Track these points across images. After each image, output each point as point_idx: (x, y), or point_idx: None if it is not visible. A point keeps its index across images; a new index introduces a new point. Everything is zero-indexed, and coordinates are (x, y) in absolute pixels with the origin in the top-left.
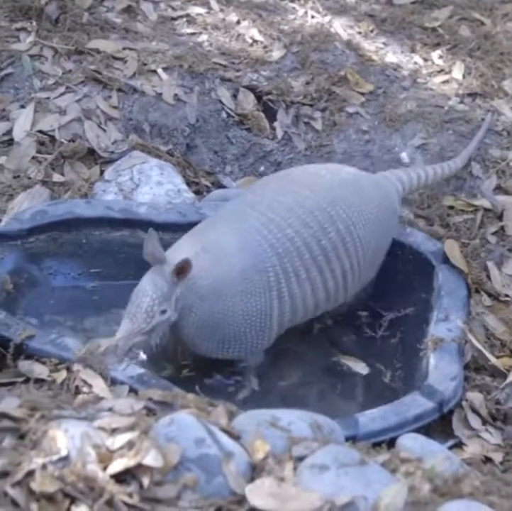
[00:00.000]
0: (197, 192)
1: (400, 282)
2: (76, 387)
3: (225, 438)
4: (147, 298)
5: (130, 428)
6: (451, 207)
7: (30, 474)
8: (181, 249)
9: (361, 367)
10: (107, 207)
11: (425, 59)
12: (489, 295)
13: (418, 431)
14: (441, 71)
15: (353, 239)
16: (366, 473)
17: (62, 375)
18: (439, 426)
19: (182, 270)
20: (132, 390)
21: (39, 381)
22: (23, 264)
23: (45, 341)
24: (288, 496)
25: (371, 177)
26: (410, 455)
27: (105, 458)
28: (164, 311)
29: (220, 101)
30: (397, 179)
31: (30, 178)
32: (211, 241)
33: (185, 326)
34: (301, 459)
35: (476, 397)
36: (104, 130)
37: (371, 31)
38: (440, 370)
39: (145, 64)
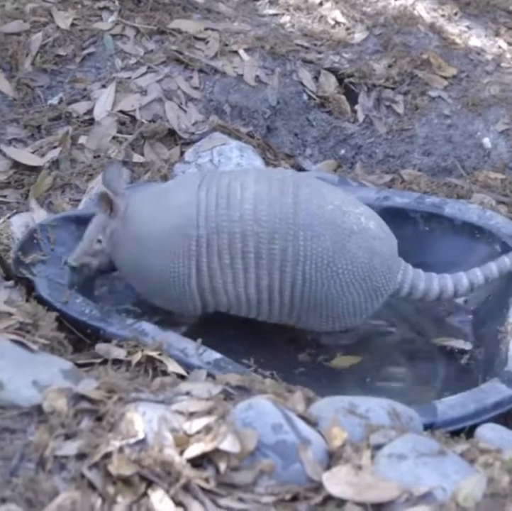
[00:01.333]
0: None
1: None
2: (153, 370)
3: (302, 425)
4: (91, 225)
5: (208, 412)
6: None
7: (107, 456)
8: (144, 193)
9: (462, 344)
10: None
11: (510, 44)
12: None
13: (496, 418)
14: None
15: (296, 270)
16: (445, 463)
17: (139, 356)
18: None
19: (105, 203)
20: (210, 376)
21: (116, 362)
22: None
23: (122, 326)
24: (365, 484)
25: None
26: (489, 445)
27: (182, 442)
28: (99, 241)
29: (301, 83)
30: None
31: (110, 158)
32: (162, 191)
33: (116, 261)
34: (378, 447)
35: None
36: (185, 111)
37: (455, 14)
38: None
39: (227, 45)
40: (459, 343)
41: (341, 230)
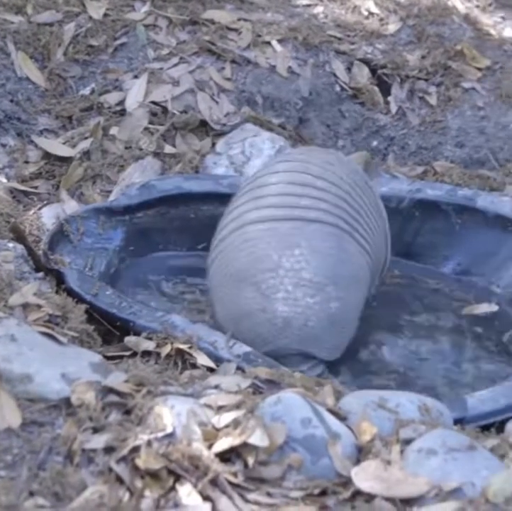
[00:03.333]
0: None
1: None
2: (183, 363)
3: (331, 419)
4: None
5: (236, 406)
6: None
7: (136, 450)
8: None
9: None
10: (215, 182)
11: None
12: None
13: None
14: None
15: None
16: (475, 458)
17: (168, 349)
18: None
19: None
20: (239, 369)
21: (145, 355)
22: (131, 239)
23: (151, 319)
24: (394, 480)
25: None
26: None
27: (210, 436)
28: None
29: (334, 74)
30: None
31: (141, 149)
32: None
33: None
34: (408, 442)
35: None
36: (217, 102)
37: (489, 5)
38: None
39: (260, 36)
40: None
41: None
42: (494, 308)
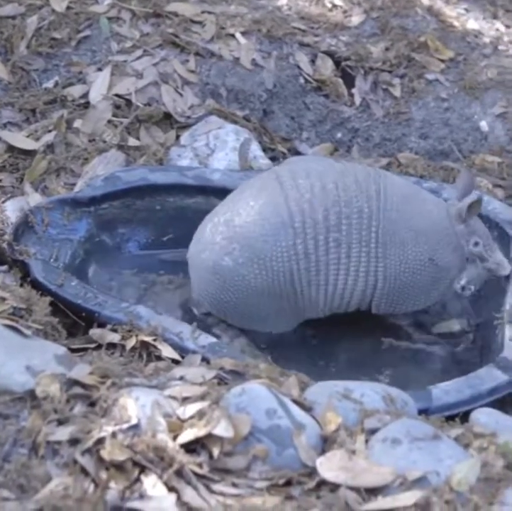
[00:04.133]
0: (273, 159)
1: None
2: (148, 355)
3: (296, 410)
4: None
5: (201, 397)
6: None
7: (100, 442)
8: None
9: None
10: (181, 174)
11: (507, 26)
12: None
13: (492, 404)
14: None
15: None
16: (439, 447)
17: (133, 341)
18: None
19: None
20: (205, 360)
21: (110, 347)
22: (96, 231)
23: (116, 309)
24: (359, 469)
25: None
26: (484, 430)
27: (175, 427)
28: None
29: (298, 67)
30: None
31: (105, 142)
32: None
33: None
34: (373, 432)
35: None
36: (181, 95)
37: None
38: None
39: (223, 28)
40: (457, 326)
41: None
42: (465, 327)
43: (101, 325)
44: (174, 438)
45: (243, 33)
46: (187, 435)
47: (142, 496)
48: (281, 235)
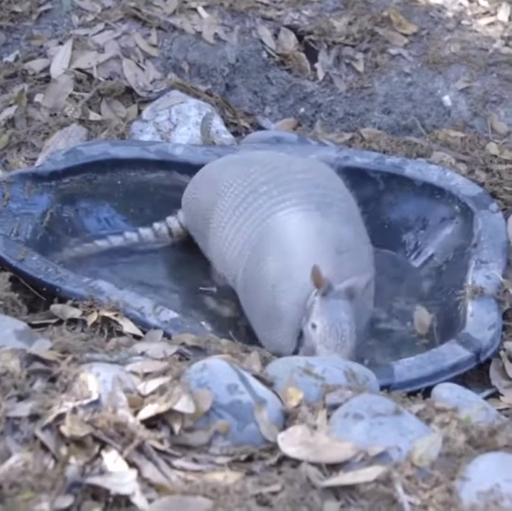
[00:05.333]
0: (236, 133)
1: (439, 227)
2: (109, 330)
3: (257, 385)
4: None
5: (162, 373)
6: (494, 155)
7: (60, 418)
8: None
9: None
10: (143, 148)
11: (470, 1)
12: None
13: (454, 380)
14: (486, 13)
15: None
16: (401, 423)
17: (94, 317)
18: (476, 375)
19: None
20: (166, 335)
21: (71, 323)
22: (57, 205)
23: (78, 284)
24: (320, 445)
25: None
26: (445, 405)
27: (136, 403)
28: None
29: (261, 41)
30: None
31: (66, 116)
32: None
33: None
34: (334, 407)
35: None
36: (142, 69)
37: None
38: (478, 318)
39: (185, 2)
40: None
41: None
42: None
43: (62, 300)
44: (135, 413)
45: (205, 7)
46: (148, 411)
47: (102, 472)
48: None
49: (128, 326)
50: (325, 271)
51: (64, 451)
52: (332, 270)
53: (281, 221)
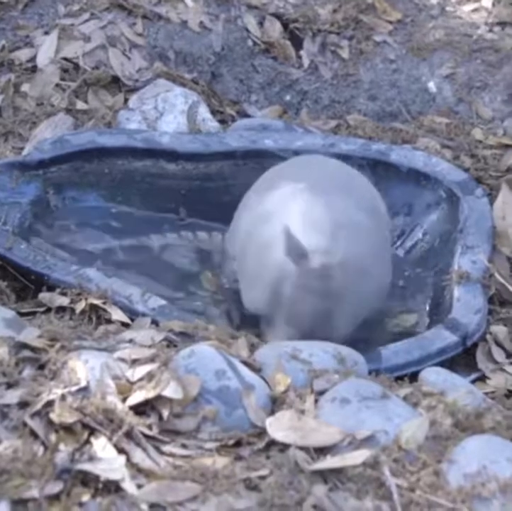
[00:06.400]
0: (222, 121)
1: (425, 212)
2: (97, 318)
3: (245, 371)
4: None
5: (151, 359)
6: (479, 141)
7: (50, 405)
8: None
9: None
10: (130, 136)
11: None
12: None
13: (441, 365)
14: None
15: None
16: (388, 406)
17: (82, 304)
18: (462, 359)
19: None
20: (154, 322)
21: (60, 311)
22: (45, 194)
23: (66, 272)
24: (308, 429)
25: None
26: (432, 389)
27: (124, 389)
28: None
29: (246, 29)
30: None
31: (53, 106)
32: None
33: None
34: (322, 392)
35: (500, 330)
36: (128, 58)
37: None
38: (464, 303)
39: None
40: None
41: None
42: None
43: (51, 288)
44: (124, 400)
45: None
46: (136, 397)
47: (91, 458)
48: None
49: (116, 314)
50: (312, 239)
51: (53, 437)
52: (324, 241)
53: (289, 193)
